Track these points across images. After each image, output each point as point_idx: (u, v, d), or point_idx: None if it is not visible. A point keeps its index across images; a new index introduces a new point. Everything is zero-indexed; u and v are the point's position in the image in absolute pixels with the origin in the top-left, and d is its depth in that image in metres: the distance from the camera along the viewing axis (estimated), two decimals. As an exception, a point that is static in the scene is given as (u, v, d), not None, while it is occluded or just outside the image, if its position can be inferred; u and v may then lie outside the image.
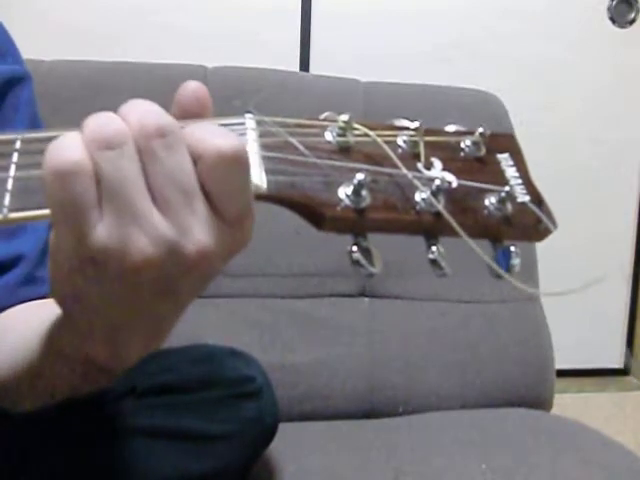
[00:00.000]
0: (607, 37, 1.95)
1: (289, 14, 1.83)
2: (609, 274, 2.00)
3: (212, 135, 0.34)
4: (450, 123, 0.44)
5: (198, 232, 0.34)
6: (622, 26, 1.94)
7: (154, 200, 0.34)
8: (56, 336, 0.45)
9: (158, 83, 1.15)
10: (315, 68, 1.84)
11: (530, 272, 1.19)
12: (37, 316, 0.49)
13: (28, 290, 0.62)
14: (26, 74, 0.71)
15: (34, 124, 0.70)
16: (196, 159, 0.34)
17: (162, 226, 0.34)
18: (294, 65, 1.83)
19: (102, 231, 0.33)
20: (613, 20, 1.94)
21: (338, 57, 1.84)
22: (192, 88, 0.37)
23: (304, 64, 1.85)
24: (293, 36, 1.84)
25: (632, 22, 1.94)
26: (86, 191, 0.33)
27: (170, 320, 0.39)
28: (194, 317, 1.09)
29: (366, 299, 1.16)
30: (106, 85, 1.17)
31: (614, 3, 1.93)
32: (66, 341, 0.43)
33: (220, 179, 0.34)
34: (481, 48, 1.90)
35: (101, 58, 1.23)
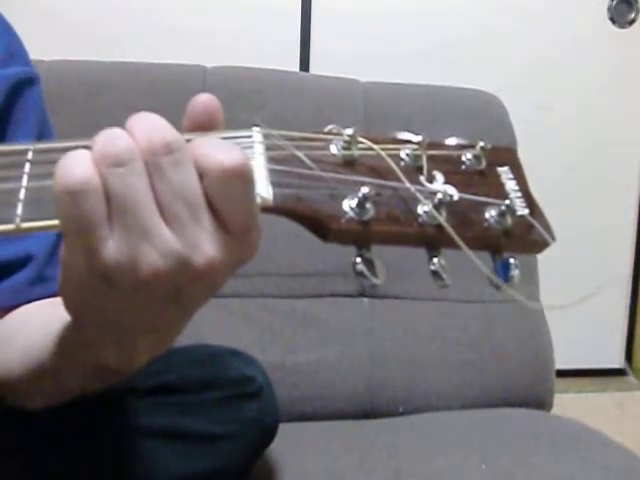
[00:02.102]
0: (607, 37, 1.95)
1: (289, 14, 1.83)
2: (609, 274, 2.00)
3: (216, 151, 0.35)
4: (451, 135, 0.45)
5: (206, 245, 0.35)
6: (622, 26, 1.94)
7: (162, 215, 0.34)
8: (66, 338, 0.45)
9: (157, 83, 1.15)
10: (315, 68, 1.84)
11: (530, 272, 1.19)
12: (48, 315, 0.50)
13: (38, 289, 0.63)
14: (35, 76, 0.71)
15: (43, 125, 0.70)
16: (201, 174, 0.35)
17: (171, 240, 0.34)
18: (294, 65, 1.83)
19: (112, 247, 0.34)
20: (613, 20, 1.94)
21: (338, 57, 1.84)
22: (203, 101, 0.38)
23: (304, 64, 1.85)
24: (293, 36, 1.84)
25: (632, 22, 1.94)
26: (96, 208, 0.33)
27: (178, 326, 0.40)
28: (194, 317, 1.08)
29: (366, 299, 1.16)
30: (105, 85, 1.17)
31: (614, 3, 1.93)
32: (76, 344, 0.44)
33: (224, 194, 0.35)
34: (481, 48, 1.90)
35: (101, 58, 1.23)
